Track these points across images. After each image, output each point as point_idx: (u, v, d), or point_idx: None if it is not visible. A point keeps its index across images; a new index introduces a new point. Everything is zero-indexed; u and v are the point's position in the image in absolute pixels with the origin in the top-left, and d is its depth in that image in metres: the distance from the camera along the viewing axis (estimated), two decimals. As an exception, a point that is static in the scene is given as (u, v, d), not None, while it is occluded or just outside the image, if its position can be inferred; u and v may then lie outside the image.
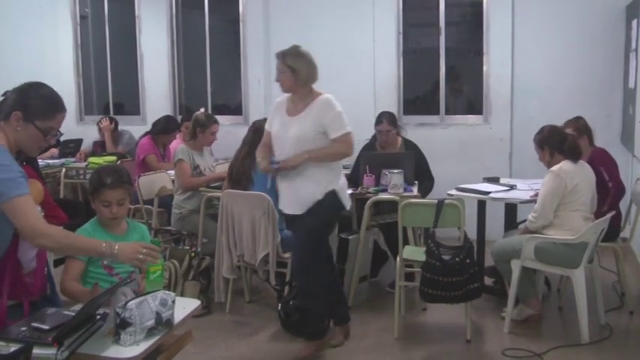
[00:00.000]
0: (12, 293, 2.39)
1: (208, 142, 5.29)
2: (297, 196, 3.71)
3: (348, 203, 3.85)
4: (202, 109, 5.36)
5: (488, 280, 4.81)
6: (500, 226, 4.86)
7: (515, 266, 4.07)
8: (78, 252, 2.59)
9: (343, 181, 3.84)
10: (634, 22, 5.47)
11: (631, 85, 5.51)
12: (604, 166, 4.49)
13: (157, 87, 7.58)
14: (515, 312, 4.24)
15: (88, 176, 6.66)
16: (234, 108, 7.56)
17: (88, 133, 7.15)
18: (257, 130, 4.52)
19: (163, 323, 2.23)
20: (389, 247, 5.03)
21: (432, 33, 6.68)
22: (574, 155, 4.11)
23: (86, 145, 6.91)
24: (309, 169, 3.64)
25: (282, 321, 4.11)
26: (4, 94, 2.43)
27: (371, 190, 4.69)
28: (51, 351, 2.01)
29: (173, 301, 2.29)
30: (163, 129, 6.18)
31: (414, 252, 4.27)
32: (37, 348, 2.01)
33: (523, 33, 6.27)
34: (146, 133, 6.31)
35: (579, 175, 4.06)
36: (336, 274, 4.12)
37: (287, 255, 4.33)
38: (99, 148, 6.74)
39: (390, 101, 6.58)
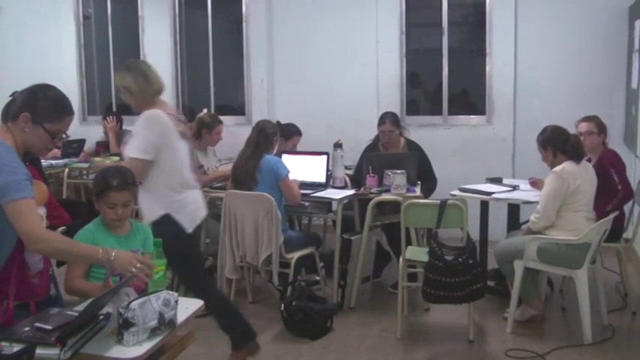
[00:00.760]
0: (18, 294, 2.40)
1: (214, 142, 5.29)
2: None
3: (191, 225, 3.38)
4: (205, 110, 5.36)
5: (490, 281, 4.81)
6: (503, 226, 4.86)
7: (518, 267, 4.07)
8: (75, 258, 2.59)
9: (184, 201, 3.37)
10: (637, 23, 5.47)
11: (634, 85, 5.50)
12: (614, 167, 4.48)
13: (160, 87, 7.57)
14: (518, 312, 4.24)
15: (91, 176, 6.67)
16: (237, 108, 7.57)
17: (91, 133, 7.15)
18: (261, 131, 4.52)
19: (166, 323, 2.24)
20: (392, 248, 5.03)
21: (434, 33, 6.68)
22: (577, 156, 4.10)
23: (89, 146, 6.92)
24: (145, 186, 3.27)
25: (285, 321, 4.13)
26: (13, 94, 2.43)
27: (374, 190, 4.69)
28: (54, 351, 2.01)
29: (176, 302, 2.30)
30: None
31: (417, 252, 4.27)
32: (40, 348, 2.02)
33: (526, 33, 6.26)
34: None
35: (582, 175, 4.06)
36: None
37: (290, 255, 4.33)
38: (102, 148, 6.73)
39: (393, 102, 6.58)
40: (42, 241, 2.26)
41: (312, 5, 6.90)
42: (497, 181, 5.04)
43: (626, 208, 4.64)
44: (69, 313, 2.30)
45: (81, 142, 6.92)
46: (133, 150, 3.21)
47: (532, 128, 4.67)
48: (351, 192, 4.74)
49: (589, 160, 4.46)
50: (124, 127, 6.96)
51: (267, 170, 4.40)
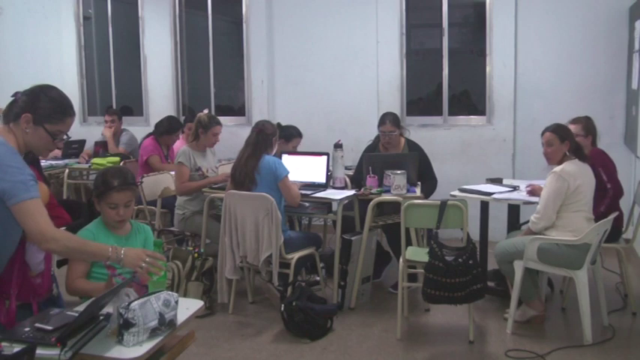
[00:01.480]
0: (20, 295, 2.40)
1: (210, 144, 5.26)
2: None
3: None
4: (206, 110, 5.36)
5: (490, 282, 4.81)
6: (503, 227, 4.86)
7: (518, 267, 4.07)
8: (85, 256, 2.59)
9: None
10: (637, 23, 5.47)
11: (634, 85, 5.50)
12: (602, 167, 4.48)
13: (161, 88, 7.60)
14: (518, 313, 4.24)
15: (91, 177, 6.68)
16: (238, 109, 7.58)
17: (92, 134, 7.16)
18: (260, 131, 4.52)
19: (166, 324, 2.24)
20: (392, 248, 5.03)
21: (435, 34, 6.68)
22: (582, 156, 4.12)
23: (89, 147, 6.92)
24: None
25: (285, 322, 4.13)
26: (14, 94, 2.43)
27: (374, 190, 4.69)
28: (54, 351, 2.01)
29: (176, 302, 2.30)
30: (166, 130, 6.19)
31: (417, 253, 4.27)
32: (40, 348, 2.02)
33: (526, 34, 6.27)
34: (149, 134, 6.32)
35: (582, 176, 4.06)
36: None
37: (290, 256, 4.33)
38: (100, 148, 6.74)
39: (394, 102, 6.58)
40: (53, 240, 2.26)
41: (312, 6, 6.90)
42: (497, 181, 5.05)
43: (626, 208, 4.64)
44: (69, 313, 2.30)
45: (81, 143, 6.93)
46: None
47: (532, 129, 4.67)
48: (351, 192, 4.74)
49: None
50: (123, 127, 6.99)
51: (267, 171, 4.41)
